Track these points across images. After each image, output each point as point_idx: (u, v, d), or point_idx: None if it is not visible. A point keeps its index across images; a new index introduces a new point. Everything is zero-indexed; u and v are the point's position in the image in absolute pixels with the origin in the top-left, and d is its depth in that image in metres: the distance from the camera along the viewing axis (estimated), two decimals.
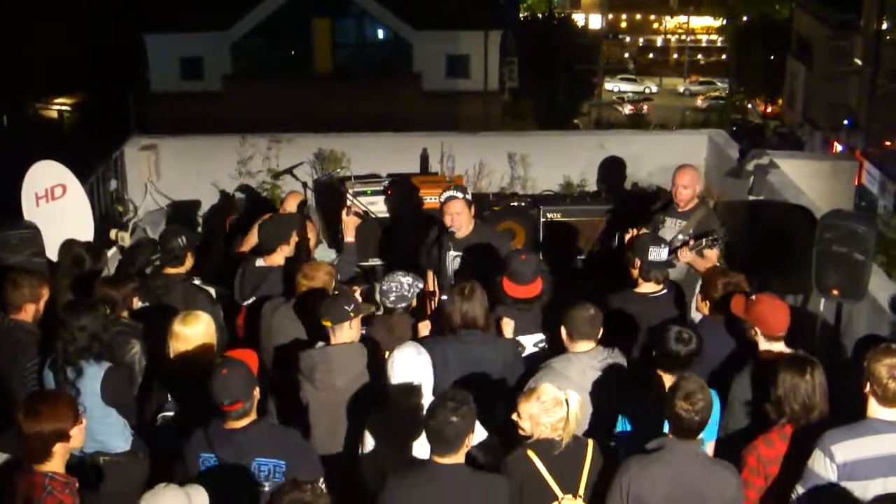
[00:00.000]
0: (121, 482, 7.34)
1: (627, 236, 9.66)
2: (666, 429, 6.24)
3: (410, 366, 6.78)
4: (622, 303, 8.64)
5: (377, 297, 8.52)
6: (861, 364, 6.34)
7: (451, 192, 9.80)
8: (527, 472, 6.35)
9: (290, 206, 11.06)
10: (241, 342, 9.34)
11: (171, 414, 7.39)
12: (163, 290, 9.14)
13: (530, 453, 6.39)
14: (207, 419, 6.49)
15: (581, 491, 6.38)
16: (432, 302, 9.72)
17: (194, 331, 7.56)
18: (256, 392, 6.43)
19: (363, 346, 7.63)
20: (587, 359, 7.38)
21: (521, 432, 6.56)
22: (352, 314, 7.50)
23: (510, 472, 6.36)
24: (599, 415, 7.22)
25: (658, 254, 8.72)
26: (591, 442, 6.51)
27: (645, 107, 76.63)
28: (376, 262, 13.34)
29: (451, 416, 5.88)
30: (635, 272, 8.85)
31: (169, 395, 7.48)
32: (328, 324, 7.46)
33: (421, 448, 6.44)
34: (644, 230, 9.84)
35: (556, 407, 6.41)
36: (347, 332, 7.51)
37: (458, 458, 6.02)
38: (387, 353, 7.93)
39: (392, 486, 6.05)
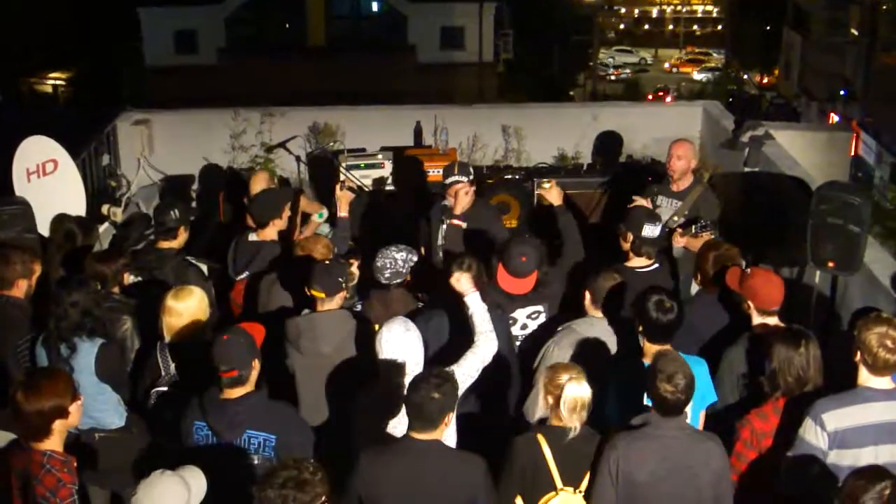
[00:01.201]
0: (116, 458, 7.35)
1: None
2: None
3: (399, 342, 6.72)
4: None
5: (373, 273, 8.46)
6: (853, 333, 6.36)
7: (456, 177, 9.68)
8: (532, 455, 6.29)
9: (257, 186, 10.86)
10: (238, 316, 9.34)
11: (164, 389, 7.34)
12: (154, 265, 9.10)
13: (540, 437, 6.32)
14: (204, 389, 6.48)
15: (583, 486, 6.30)
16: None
17: (187, 305, 7.52)
18: (256, 363, 6.39)
19: (349, 312, 7.64)
20: (608, 324, 7.48)
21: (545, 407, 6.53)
22: (344, 286, 7.56)
23: (516, 452, 6.32)
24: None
25: (652, 230, 8.66)
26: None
27: (628, 71, 76.70)
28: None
29: (433, 392, 5.84)
30: (626, 245, 8.79)
31: (162, 371, 7.43)
32: (321, 295, 7.46)
33: (400, 425, 6.41)
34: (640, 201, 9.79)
35: (563, 374, 6.37)
36: (334, 300, 7.54)
37: (437, 434, 5.98)
38: (376, 328, 7.96)
39: (367, 460, 6.02)
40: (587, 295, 7.58)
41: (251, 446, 6.32)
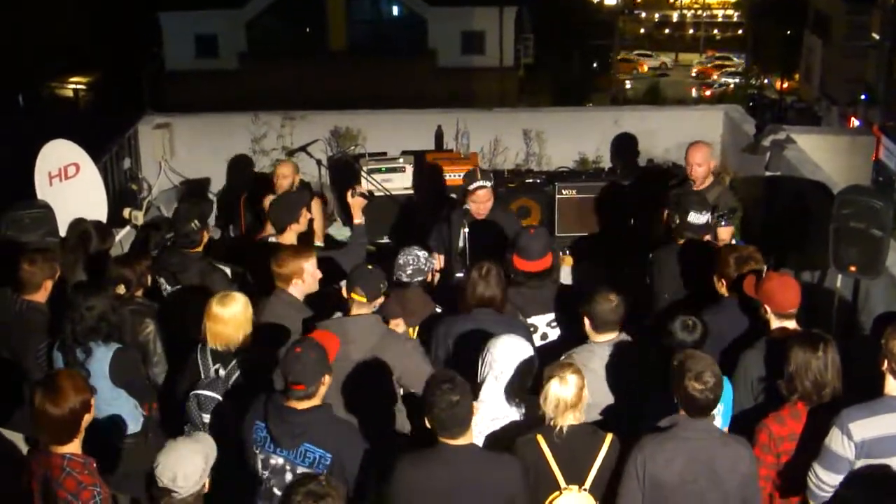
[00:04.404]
0: (132, 463, 7.31)
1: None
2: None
3: (517, 350, 6.75)
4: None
5: (394, 271, 8.45)
6: (879, 341, 6.29)
7: (480, 182, 9.67)
8: (534, 456, 6.26)
9: (283, 172, 11.00)
10: None
11: (204, 392, 7.28)
12: (178, 268, 9.11)
13: (539, 438, 6.29)
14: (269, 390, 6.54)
15: (588, 484, 6.25)
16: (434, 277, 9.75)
17: (232, 311, 7.44)
18: (326, 379, 6.36)
19: (380, 318, 7.59)
20: (609, 347, 7.29)
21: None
22: (384, 293, 7.54)
23: (518, 454, 6.27)
24: (622, 400, 7.14)
25: (697, 218, 8.91)
26: (609, 437, 6.34)
27: (645, 67, 77.27)
28: (387, 241, 13.34)
29: (452, 397, 5.81)
30: (672, 226, 9.08)
31: (202, 374, 7.40)
32: (363, 298, 7.41)
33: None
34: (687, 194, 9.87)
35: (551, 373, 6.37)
36: (367, 306, 7.49)
37: (468, 437, 5.96)
38: (396, 325, 7.94)
39: (402, 468, 5.97)
40: (586, 320, 7.41)
41: (306, 459, 6.30)
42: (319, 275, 8.37)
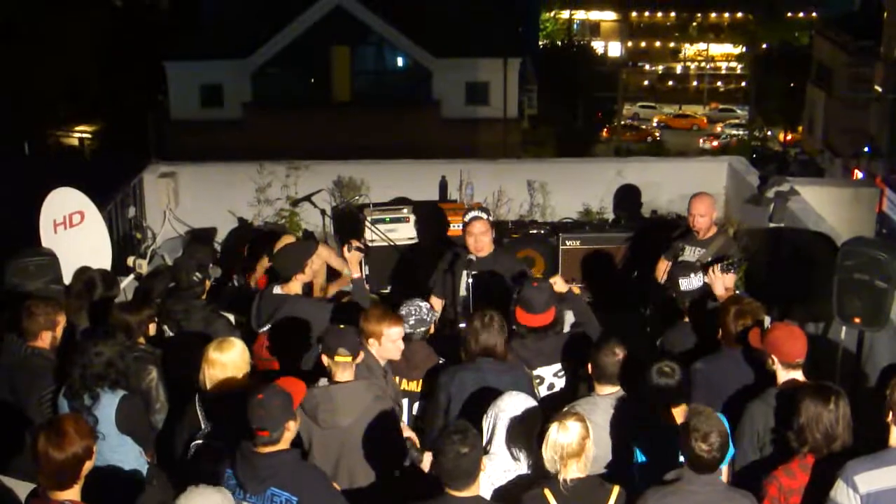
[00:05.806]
0: None
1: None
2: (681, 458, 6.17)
3: (522, 406, 6.76)
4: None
5: None
6: (884, 393, 6.26)
7: (474, 213, 9.82)
8: None
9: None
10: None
11: (201, 442, 7.27)
12: (182, 316, 9.13)
13: (546, 492, 6.21)
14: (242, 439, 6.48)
15: None
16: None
17: (230, 357, 7.47)
18: (290, 425, 6.35)
19: (369, 383, 7.51)
20: (612, 400, 7.27)
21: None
22: (361, 344, 7.47)
23: None
24: (623, 452, 7.11)
25: (689, 283, 8.87)
26: (616, 489, 6.28)
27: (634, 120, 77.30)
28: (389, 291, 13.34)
29: (461, 449, 5.79)
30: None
31: (202, 423, 7.38)
32: (347, 358, 7.28)
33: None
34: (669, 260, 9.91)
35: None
36: (351, 369, 7.38)
37: (474, 490, 5.93)
38: (397, 380, 7.91)
39: None
40: (590, 369, 7.44)
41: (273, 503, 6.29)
42: (401, 346, 8.04)
